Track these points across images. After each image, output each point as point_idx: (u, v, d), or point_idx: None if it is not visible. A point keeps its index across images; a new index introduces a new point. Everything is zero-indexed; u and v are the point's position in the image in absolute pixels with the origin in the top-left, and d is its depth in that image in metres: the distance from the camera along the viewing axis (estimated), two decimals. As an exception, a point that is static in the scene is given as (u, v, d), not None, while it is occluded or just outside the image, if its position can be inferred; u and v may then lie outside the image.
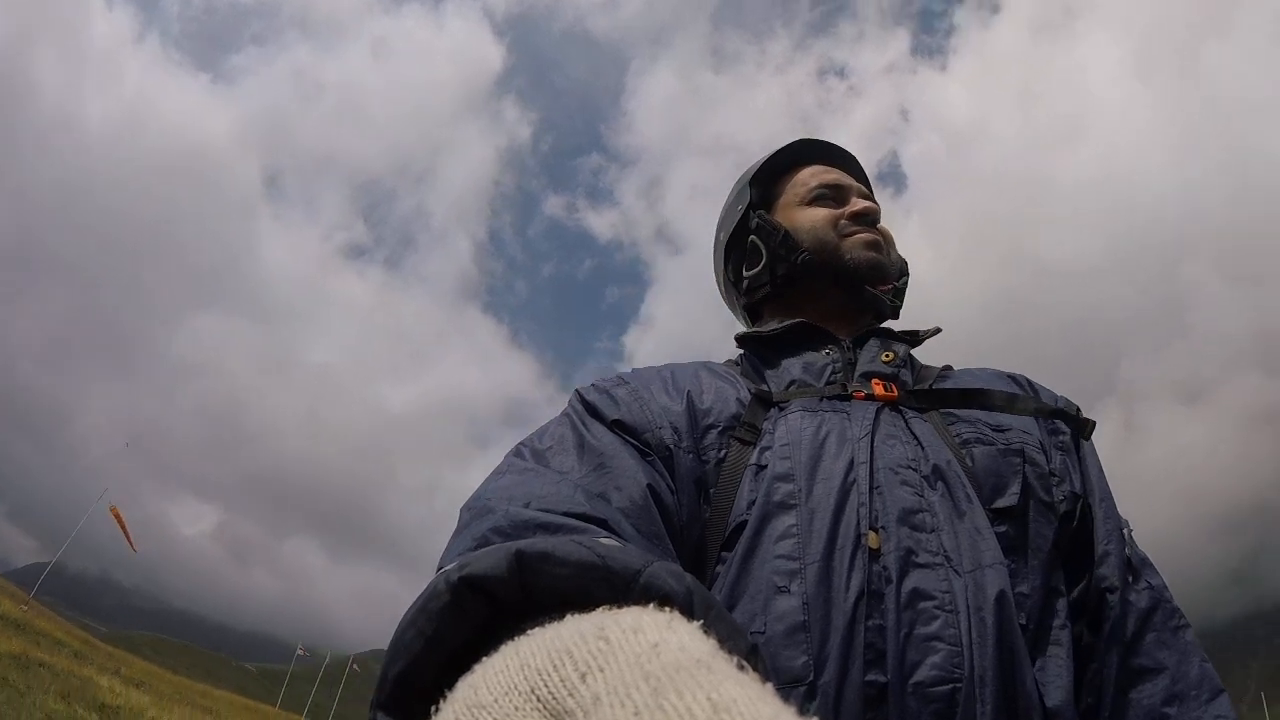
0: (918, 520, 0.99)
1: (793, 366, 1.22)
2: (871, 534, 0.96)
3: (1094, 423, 1.20)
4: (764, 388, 1.17)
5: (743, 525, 1.00)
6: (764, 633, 0.91)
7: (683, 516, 1.00)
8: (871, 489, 1.01)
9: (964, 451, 1.10)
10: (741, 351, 1.33)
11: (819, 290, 1.33)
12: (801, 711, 0.89)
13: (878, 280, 1.32)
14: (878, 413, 1.11)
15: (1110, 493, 1.17)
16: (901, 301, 1.40)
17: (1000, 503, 1.06)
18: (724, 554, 1.00)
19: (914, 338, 1.30)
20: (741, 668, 0.38)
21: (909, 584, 0.94)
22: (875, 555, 0.95)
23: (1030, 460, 1.11)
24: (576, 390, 1.13)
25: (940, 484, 1.03)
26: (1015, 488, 1.07)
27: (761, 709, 0.33)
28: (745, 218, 1.43)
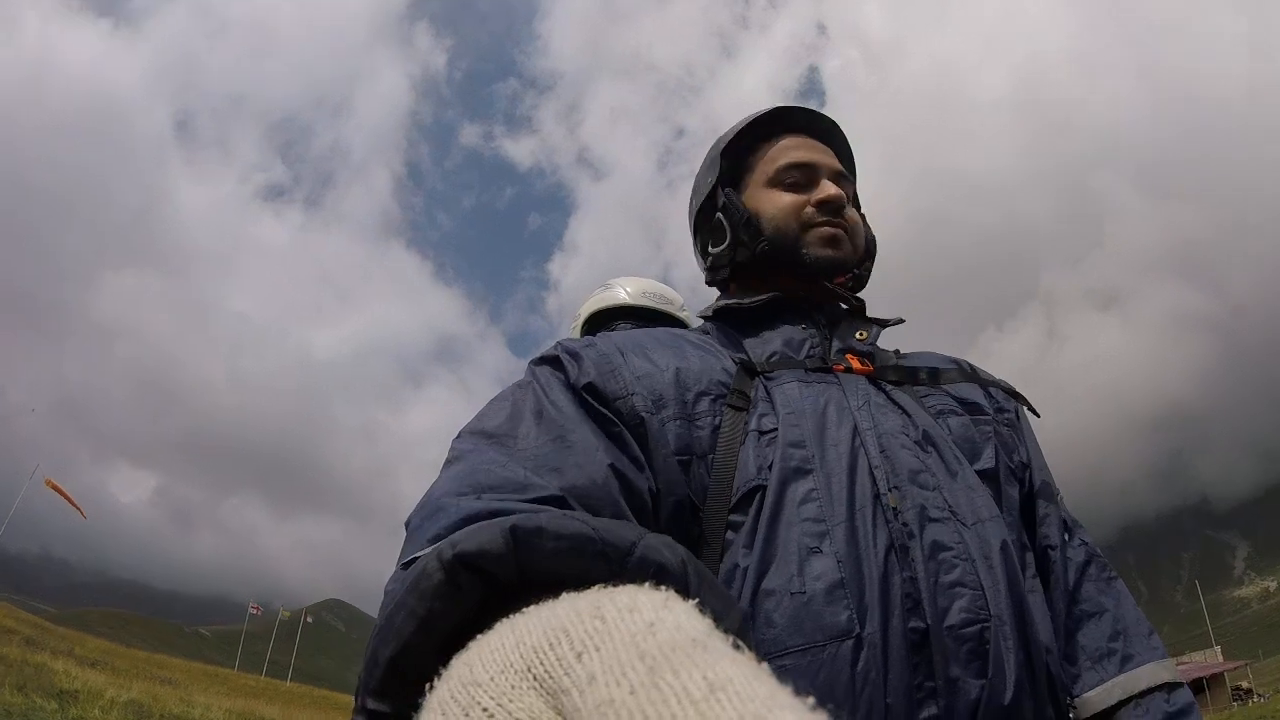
0: (922, 480, 1.06)
1: (772, 339, 1.24)
2: (891, 493, 1.03)
3: (1038, 413, 1.36)
4: (745, 358, 1.20)
5: (755, 490, 1.03)
6: (804, 593, 0.95)
7: (655, 486, 1.00)
8: (880, 452, 1.07)
9: (941, 421, 1.19)
10: (711, 323, 1.35)
11: (778, 277, 1.33)
12: (853, 661, 0.92)
13: (833, 276, 1.31)
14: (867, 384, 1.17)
15: (1045, 463, 1.28)
16: (864, 284, 1.41)
17: (978, 466, 1.15)
18: (733, 518, 1.02)
19: (881, 322, 1.33)
20: (737, 646, 0.37)
21: (929, 537, 1.01)
22: (895, 513, 1.02)
23: (996, 429, 1.21)
24: (540, 356, 1.12)
25: (931, 448, 1.11)
26: (989, 452, 1.17)
27: (757, 688, 0.33)
28: (714, 192, 1.41)
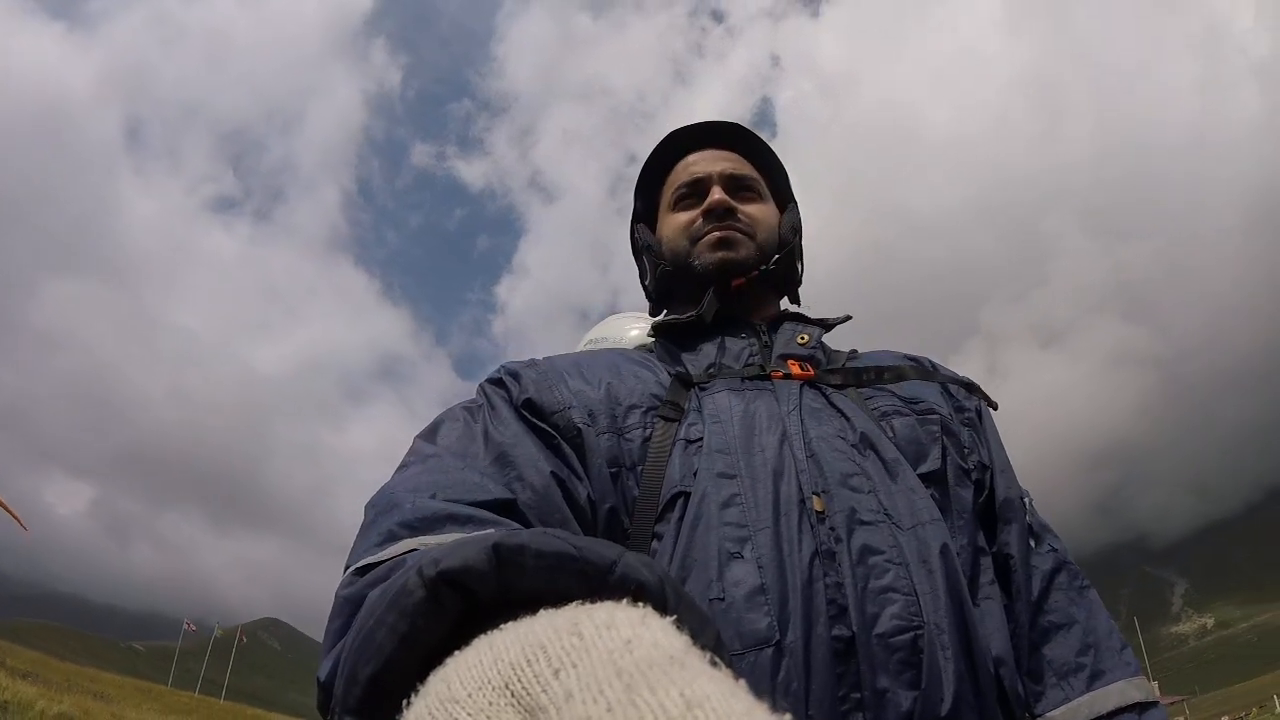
0: (855, 483, 1.04)
1: (710, 350, 1.26)
2: (815, 497, 1.01)
3: (996, 404, 1.32)
4: (682, 370, 1.22)
5: (678, 496, 1.04)
6: (723, 599, 0.94)
7: (594, 494, 1.03)
8: (808, 457, 1.06)
9: (884, 423, 1.17)
10: (654, 340, 1.38)
11: (695, 294, 1.34)
12: (773, 671, 0.89)
13: (732, 277, 1.32)
14: (801, 389, 1.17)
15: (1010, 464, 1.24)
16: (793, 272, 1.43)
17: (923, 468, 1.12)
18: (658, 527, 1.03)
19: (824, 323, 1.34)
20: (714, 663, 0.38)
21: (858, 541, 0.98)
22: (821, 517, 1.00)
23: (945, 429, 1.19)
24: (488, 378, 1.16)
25: (870, 451, 1.09)
26: (936, 453, 1.15)
27: (734, 705, 0.34)
28: (633, 229, 1.51)
